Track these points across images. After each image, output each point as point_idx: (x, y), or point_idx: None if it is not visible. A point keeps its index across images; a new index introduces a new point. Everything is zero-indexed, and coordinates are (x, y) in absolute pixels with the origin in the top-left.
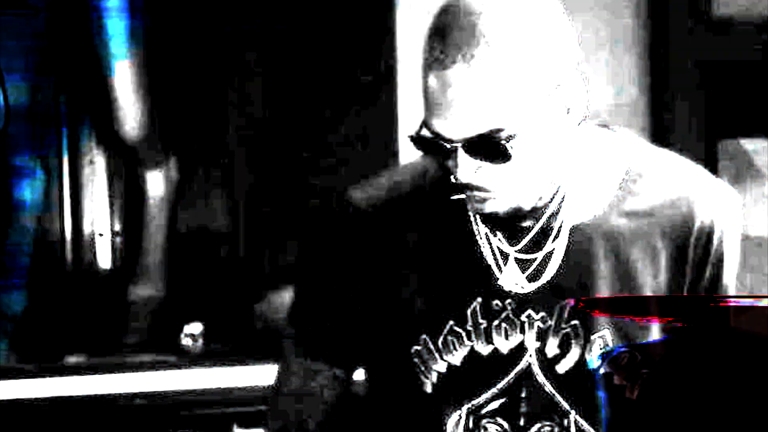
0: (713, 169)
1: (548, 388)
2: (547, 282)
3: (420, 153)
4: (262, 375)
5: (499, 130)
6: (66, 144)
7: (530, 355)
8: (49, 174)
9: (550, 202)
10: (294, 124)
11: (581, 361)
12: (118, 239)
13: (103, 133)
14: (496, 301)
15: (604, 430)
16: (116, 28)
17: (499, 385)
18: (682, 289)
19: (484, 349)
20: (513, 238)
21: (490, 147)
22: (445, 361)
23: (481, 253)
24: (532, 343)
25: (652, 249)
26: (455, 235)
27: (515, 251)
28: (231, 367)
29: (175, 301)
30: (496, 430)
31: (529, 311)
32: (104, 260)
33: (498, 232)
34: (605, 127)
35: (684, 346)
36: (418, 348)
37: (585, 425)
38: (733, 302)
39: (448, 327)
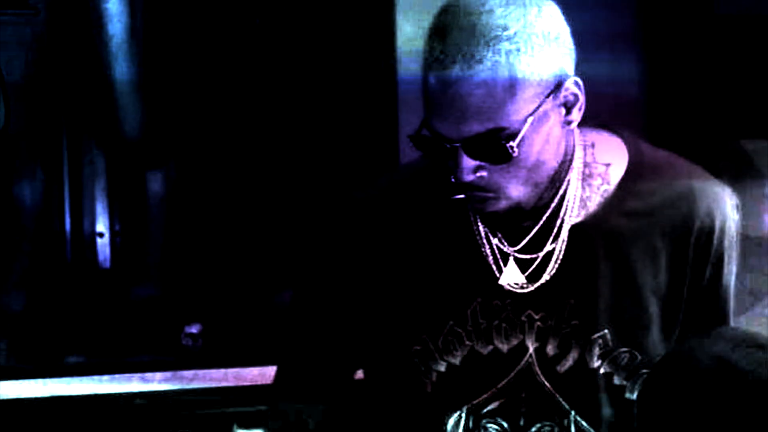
0: (713, 169)
1: (548, 388)
2: (547, 282)
3: (420, 153)
4: (262, 375)
5: (499, 130)
6: (66, 144)
7: (530, 355)
8: (49, 174)
9: (550, 202)
10: (294, 124)
11: (581, 361)
12: (118, 239)
13: (103, 133)
14: (496, 301)
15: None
16: (116, 28)
17: (499, 385)
18: (682, 289)
19: (484, 349)
20: (513, 238)
21: (490, 147)
22: (445, 361)
23: (482, 253)
24: (532, 343)
25: (652, 249)
26: (455, 235)
27: (515, 251)
28: (231, 367)
29: (175, 301)
30: (496, 430)
31: (529, 311)
32: (104, 260)
33: (498, 232)
34: (605, 127)
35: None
36: (418, 348)
37: (585, 425)
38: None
39: (448, 327)
